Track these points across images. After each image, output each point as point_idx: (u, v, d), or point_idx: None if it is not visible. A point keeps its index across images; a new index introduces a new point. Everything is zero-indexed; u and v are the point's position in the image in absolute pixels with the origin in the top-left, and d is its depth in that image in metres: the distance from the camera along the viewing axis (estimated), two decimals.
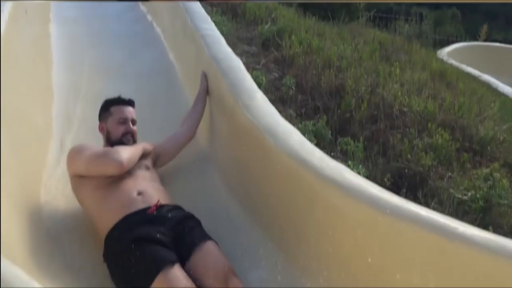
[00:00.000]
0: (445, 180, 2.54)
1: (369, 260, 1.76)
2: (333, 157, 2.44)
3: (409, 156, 2.67)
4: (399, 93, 3.46)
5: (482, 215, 2.34)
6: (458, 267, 1.59)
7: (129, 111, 2.37)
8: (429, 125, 3.01)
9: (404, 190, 2.48)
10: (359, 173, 2.34)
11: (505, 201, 2.41)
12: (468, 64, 7.38)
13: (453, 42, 10.77)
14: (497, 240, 1.61)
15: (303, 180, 1.99)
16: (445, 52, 7.15)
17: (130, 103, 2.40)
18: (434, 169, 2.60)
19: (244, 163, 2.39)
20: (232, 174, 2.48)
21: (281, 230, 2.11)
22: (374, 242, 1.76)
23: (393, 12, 16.36)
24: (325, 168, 1.96)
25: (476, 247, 1.59)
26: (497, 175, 2.49)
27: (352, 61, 4.11)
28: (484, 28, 10.59)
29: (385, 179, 2.49)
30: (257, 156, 2.26)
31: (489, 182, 2.45)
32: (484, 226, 2.31)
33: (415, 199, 2.42)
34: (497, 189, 2.43)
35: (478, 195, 2.34)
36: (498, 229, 2.36)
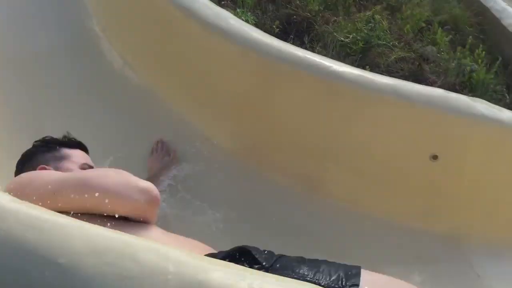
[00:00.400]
0: (331, 24, 2.62)
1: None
2: (223, 5, 2.41)
3: (298, 1, 2.69)
4: None
5: (361, 56, 2.50)
6: (330, 99, 1.75)
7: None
8: None
9: (292, 36, 2.54)
10: (247, 20, 2.35)
11: (383, 42, 2.57)
12: None
13: None
14: (365, 75, 1.75)
15: (187, 29, 1.98)
16: None
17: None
18: (321, 14, 2.66)
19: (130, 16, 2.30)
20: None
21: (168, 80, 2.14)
22: (260, 83, 1.86)
23: None
24: (210, 15, 1.95)
25: (346, 81, 1.73)
26: (378, 17, 2.61)
27: None
28: None
29: (274, 26, 2.53)
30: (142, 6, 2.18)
31: (370, 24, 2.57)
32: (363, 66, 2.49)
33: (302, 44, 2.52)
34: (377, 31, 2.57)
35: (358, 37, 2.46)
36: (376, 68, 2.56)
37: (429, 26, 3.18)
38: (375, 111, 1.79)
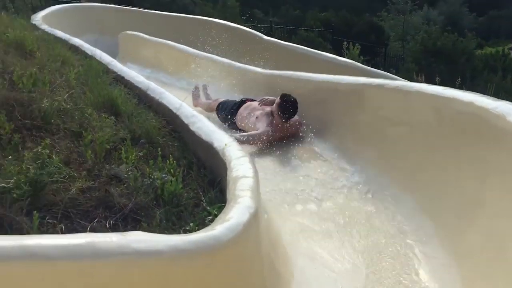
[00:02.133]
0: None
1: None
2: None
3: None
4: None
5: (31, 199, 2.25)
6: None
7: None
8: None
9: None
10: None
11: (57, 178, 2.38)
12: (68, 27, 7.29)
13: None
14: None
15: None
16: (39, 17, 6.82)
17: None
18: None
19: None
20: None
21: None
22: None
23: None
24: None
25: None
26: (45, 152, 2.42)
27: None
28: None
29: None
30: None
31: (38, 162, 2.36)
32: (36, 209, 2.24)
33: None
34: (48, 167, 2.37)
35: (23, 180, 2.22)
36: (53, 208, 2.34)
37: (124, 142, 3.17)
38: None
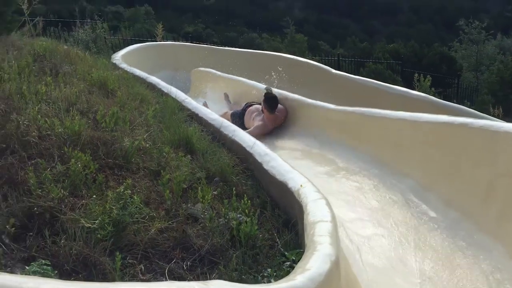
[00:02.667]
0: (78, 209, 2.41)
1: None
2: None
3: (39, 191, 2.44)
4: (39, 116, 3.19)
5: (116, 238, 2.30)
6: None
7: None
8: (65, 149, 2.84)
9: (32, 234, 2.25)
10: None
11: (137, 219, 2.43)
12: (145, 64, 7.64)
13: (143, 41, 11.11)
14: None
15: None
16: (119, 56, 7.20)
17: None
18: (66, 200, 2.44)
19: None
20: None
21: None
22: None
23: (86, 14, 15.95)
24: None
25: None
26: (127, 192, 2.49)
27: None
28: (160, 27, 11.18)
29: (8, 227, 2.21)
30: None
31: (121, 202, 2.43)
32: (118, 249, 2.29)
33: (44, 240, 2.24)
34: (129, 208, 2.43)
35: (106, 220, 2.28)
36: (134, 248, 2.38)
37: (199, 181, 3.21)
38: None
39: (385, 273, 2.95)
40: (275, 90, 6.27)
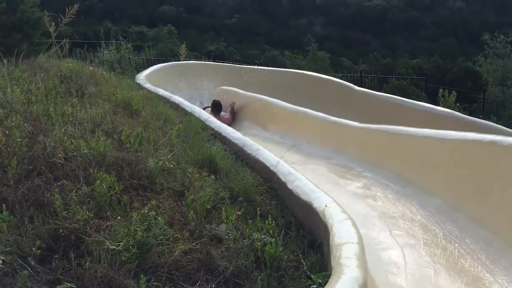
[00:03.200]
0: (103, 231, 2.42)
1: None
2: None
3: (64, 212, 2.46)
4: (65, 137, 3.23)
5: (140, 260, 2.29)
6: None
7: None
8: (91, 170, 2.87)
9: (57, 256, 2.26)
10: None
11: (161, 240, 2.42)
12: (168, 84, 7.72)
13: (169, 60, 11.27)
14: None
15: None
16: (143, 76, 7.30)
17: None
18: (91, 222, 2.45)
19: None
20: None
21: None
22: None
23: (111, 34, 16.30)
24: None
25: None
26: (152, 213, 2.48)
27: (18, 106, 3.73)
28: (183, 47, 11.32)
29: (34, 249, 2.22)
30: None
31: (145, 224, 2.42)
32: (142, 271, 2.28)
33: (69, 263, 2.24)
34: (154, 229, 2.42)
35: (131, 242, 2.28)
36: (158, 270, 2.36)
37: (223, 201, 3.19)
38: None
39: None
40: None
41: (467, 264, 3.17)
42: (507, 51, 23.07)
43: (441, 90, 12.21)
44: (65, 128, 3.45)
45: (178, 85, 8.31)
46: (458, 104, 12.41)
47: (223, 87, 8.03)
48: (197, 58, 16.78)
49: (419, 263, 3.19)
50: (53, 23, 6.86)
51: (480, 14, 66.34)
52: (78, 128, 3.58)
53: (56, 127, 3.43)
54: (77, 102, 4.16)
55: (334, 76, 10.42)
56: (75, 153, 3.14)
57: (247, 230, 2.87)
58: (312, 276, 2.49)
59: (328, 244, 2.58)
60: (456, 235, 3.45)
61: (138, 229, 2.37)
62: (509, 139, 3.31)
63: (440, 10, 69.77)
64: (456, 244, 3.39)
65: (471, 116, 8.79)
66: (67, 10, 6.86)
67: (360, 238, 2.53)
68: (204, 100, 7.98)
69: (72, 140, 3.24)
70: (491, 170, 3.41)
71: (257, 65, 12.31)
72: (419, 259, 3.22)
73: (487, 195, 3.48)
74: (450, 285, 2.96)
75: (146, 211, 2.51)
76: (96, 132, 3.58)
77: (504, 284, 2.89)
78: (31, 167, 2.85)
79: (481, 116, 13.53)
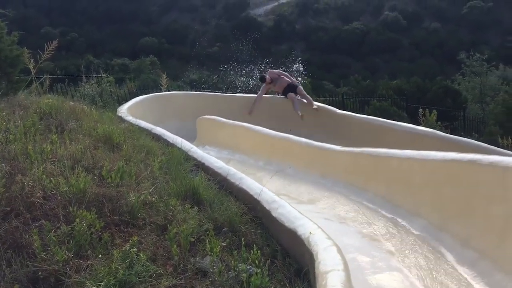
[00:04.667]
0: (83, 271, 2.36)
1: None
2: None
3: (43, 254, 2.40)
4: (44, 176, 3.18)
5: None
6: None
7: None
8: (70, 208, 2.82)
9: None
10: None
11: (144, 277, 2.37)
12: (151, 115, 7.70)
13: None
14: None
15: None
16: (125, 108, 7.28)
17: None
18: (71, 262, 2.40)
19: None
20: None
21: None
22: None
23: (92, 68, 16.27)
24: None
25: None
26: (134, 250, 2.43)
27: None
28: (164, 77, 11.35)
29: None
30: None
31: (127, 261, 2.37)
32: None
33: None
34: (136, 266, 2.37)
35: (112, 282, 2.22)
36: None
37: (207, 233, 3.15)
38: None
39: None
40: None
41: (454, 284, 3.16)
42: (484, 68, 23.61)
43: (421, 109, 12.38)
44: (44, 166, 3.40)
45: (161, 116, 8.29)
46: (439, 123, 12.58)
47: (205, 117, 8.02)
48: (180, 88, 16.83)
49: (406, 286, 3.16)
50: (32, 60, 6.85)
51: (456, 34, 67.91)
52: (57, 166, 3.53)
53: (35, 165, 3.37)
54: (56, 138, 4.11)
55: (316, 100, 10.49)
56: (54, 192, 3.09)
57: (232, 261, 2.83)
58: None
59: (314, 272, 2.55)
60: (443, 256, 3.44)
61: (119, 267, 2.32)
62: (488, 158, 3.35)
63: (417, 31, 71.34)
64: (444, 265, 3.38)
65: (452, 133, 8.89)
66: (46, 46, 6.87)
67: (345, 264, 2.51)
68: (189, 131, 7.94)
69: (51, 178, 3.19)
70: (473, 189, 3.43)
71: (242, 93, 12.39)
72: (405, 281, 3.20)
73: (471, 214, 3.49)
74: None
75: (128, 248, 2.46)
76: (76, 168, 3.53)
77: None
78: (9, 208, 2.79)
79: (462, 133, 13.72)
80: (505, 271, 3.05)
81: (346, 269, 2.45)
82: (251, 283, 2.63)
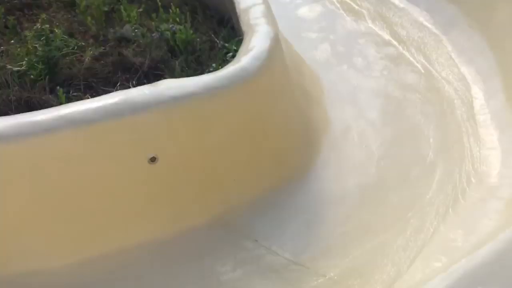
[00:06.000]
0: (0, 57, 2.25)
1: None
2: None
3: None
4: None
5: (50, 77, 2.20)
6: None
7: None
8: None
9: None
10: None
11: (67, 50, 2.31)
12: None
13: None
14: None
15: None
16: None
17: None
18: None
19: None
20: None
21: None
22: None
23: None
24: None
25: None
26: (46, 27, 2.31)
27: None
28: None
29: None
30: None
31: (43, 39, 2.26)
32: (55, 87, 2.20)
33: None
34: (54, 42, 2.28)
35: (34, 60, 2.15)
36: (74, 82, 2.29)
37: (119, 2, 2.99)
38: None
39: None
40: None
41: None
42: None
43: None
44: None
45: None
46: None
47: None
48: None
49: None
50: None
51: None
52: None
53: None
54: None
55: None
56: None
57: (153, 24, 2.77)
58: (226, 45, 2.53)
59: (236, 14, 2.56)
60: None
61: (36, 45, 2.23)
62: None
63: None
64: None
65: None
66: None
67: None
68: None
69: None
70: None
71: None
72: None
73: None
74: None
75: (39, 26, 2.33)
76: None
77: None
78: None
79: None
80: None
81: (266, 2, 2.47)
82: (176, 39, 2.63)
